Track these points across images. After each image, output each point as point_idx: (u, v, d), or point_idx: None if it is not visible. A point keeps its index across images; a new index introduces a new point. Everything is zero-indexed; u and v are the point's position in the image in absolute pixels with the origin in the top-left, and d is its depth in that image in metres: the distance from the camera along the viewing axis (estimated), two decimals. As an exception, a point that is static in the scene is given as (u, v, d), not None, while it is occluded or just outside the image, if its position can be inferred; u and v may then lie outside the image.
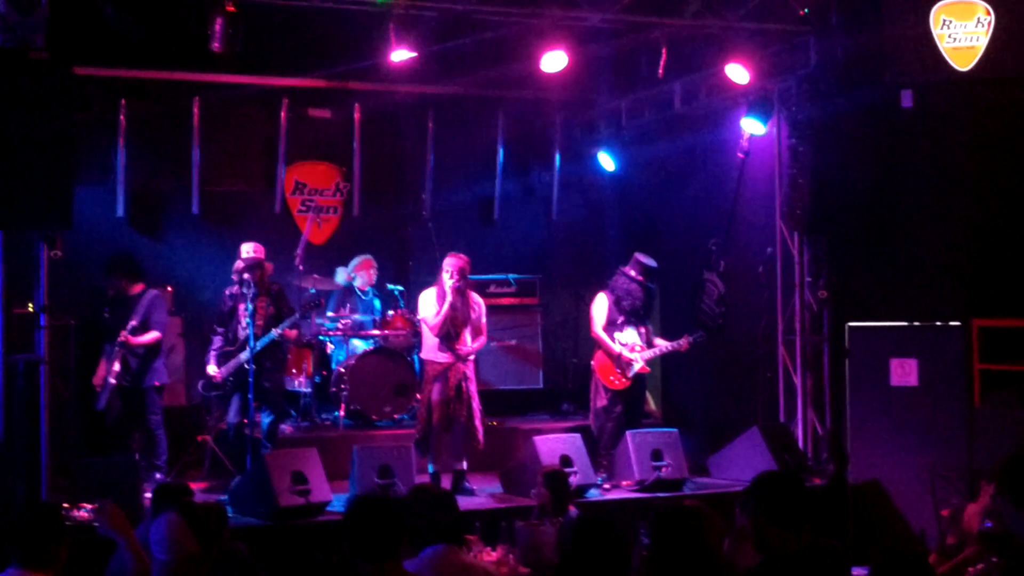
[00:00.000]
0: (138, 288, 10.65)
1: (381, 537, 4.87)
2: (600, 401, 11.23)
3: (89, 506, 8.49)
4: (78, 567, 6.04)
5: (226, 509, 6.31)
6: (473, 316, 10.49)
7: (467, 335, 10.46)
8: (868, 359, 10.48)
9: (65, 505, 8.43)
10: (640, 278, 11.16)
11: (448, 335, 10.35)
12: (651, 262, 11.22)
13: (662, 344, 11.31)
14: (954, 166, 10.61)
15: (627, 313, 11.14)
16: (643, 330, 11.26)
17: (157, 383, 10.65)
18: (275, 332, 10.22)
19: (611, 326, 11.14)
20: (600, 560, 5.06)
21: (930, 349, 10.34)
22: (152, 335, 10.49)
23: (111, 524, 5.24)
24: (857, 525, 10.20)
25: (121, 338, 10.32)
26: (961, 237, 10.53)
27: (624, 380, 11.05)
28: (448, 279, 10.30)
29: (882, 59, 10.48)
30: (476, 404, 10.46)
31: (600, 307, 11.21)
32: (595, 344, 11.24)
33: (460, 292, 10.35)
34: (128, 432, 10.61)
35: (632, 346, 11.12)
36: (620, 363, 11.01)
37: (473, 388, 10.50)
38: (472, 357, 10.64)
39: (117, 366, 10.34)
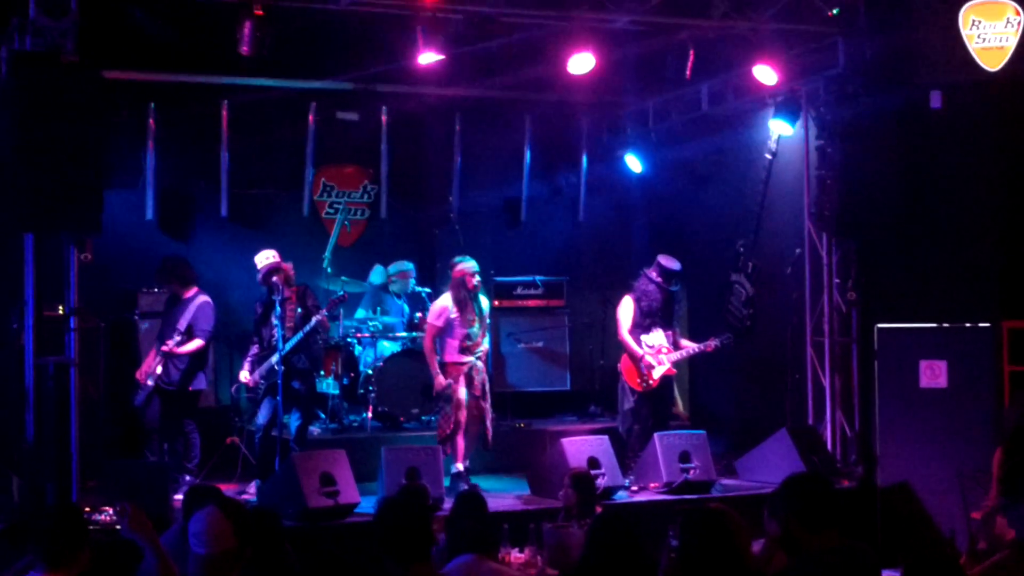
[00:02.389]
0: (191, 292, 10.75)
1: (411, 538, 4.88)
2: (627, 403, 11.25)
3: (112, 508, 8.54)
4: (102, 571, 6.08)
5: (279, 516, 6.33)
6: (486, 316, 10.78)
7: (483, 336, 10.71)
8: (897, 361, 10.43)
9: (87, 508, 8.47)
10: (659, 280, 11.16)
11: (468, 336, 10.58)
12: (673, 265, 11.21)
13: (689, 346, 11.31)
14: (983, 167, 10.56)
15: (647, 315, 11.15)
16: (670, 332, 11.27)
17: (197, 388, 10.75)
18: (303, 332, 10.30)
19: (637, 328, 11.15)
20: (620, 558, 5.06)
21: (959, 351, 10.29)
22: (195, 344, 10.58)
23: (134, 527, 5.26)
24: (886, 528, 10.16)
25: (165, 348, 10.40)
26: (990, 238, 10.48)
27: (650, 382, 11.05)
28: (472, 281, 10.55)
29: (911, 60, 10.43)
30: (489, 404, 10.72)
31: (625, 310, 11.23)
32: (622, 346, 11.25)
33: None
34: (163, 433, 10.67)
35: (659, 348, 11.12)
36: (641, 367, 11.03)
37: (487, 388, 10.72)
38: (484, 350, 10.83)
39: (159, 369, 10.42)
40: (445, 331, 10.65)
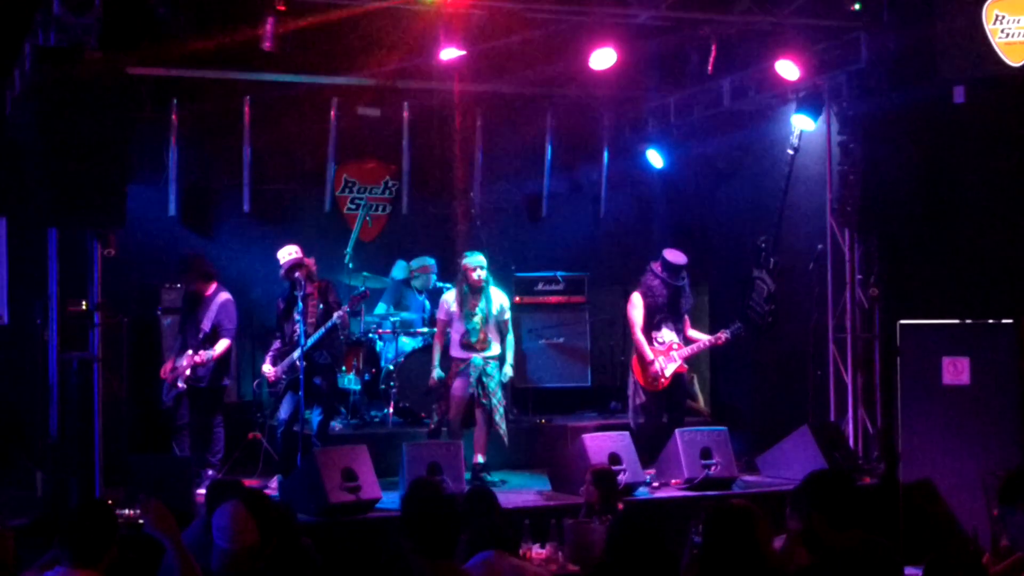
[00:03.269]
0: (211, 288, 10.77)
1: (441, 533, 4.88)
2: (637, 399, 11.29)
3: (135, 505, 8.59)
4: (126, 566, 6.11)
5: (293, 510, 6.35)
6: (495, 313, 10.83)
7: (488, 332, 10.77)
8: (920, 357, 10.38)
9: (110, 503, 8.51)
10: (663, 274, 11.18)
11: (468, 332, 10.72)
12: (678, 259, 11.22)
13: (699, 339, 11.33)
14: (1007, 161, 10.49)
15: (654, 311, 11.16)
16: (679, 327, 11.28)
17: (224, 383, 10.83)
18: (324, 329, 10.33)
19: (649, 327, 11.17)
20: (642, 554, 5.05)
21: (982, 347, 10.23)
22: (223, 345, 10.59)
23: (156, 524, 5.27)
24: (908, 525, 10.12)
25: (199, 358, 10.41)
26: (1014, 233, 10.41)
27: (661, 381, 11.09)
28: (472, 275, 10.70)
29: (934, 55, 10.37)
30: (499, 400, 10.68)
31: (636, 308, 11.26)
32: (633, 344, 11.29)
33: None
34: (195, 430, 10.70)
35: (668, 345, 11.16)
36: (649, 371, 11.06)
37: (495, 384, 10.69)
38: (493, 353, 10.82)
39: (189, 371, 10.41)
40: (450, 325, 10.82)
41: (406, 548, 4.90)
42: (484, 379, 10.64)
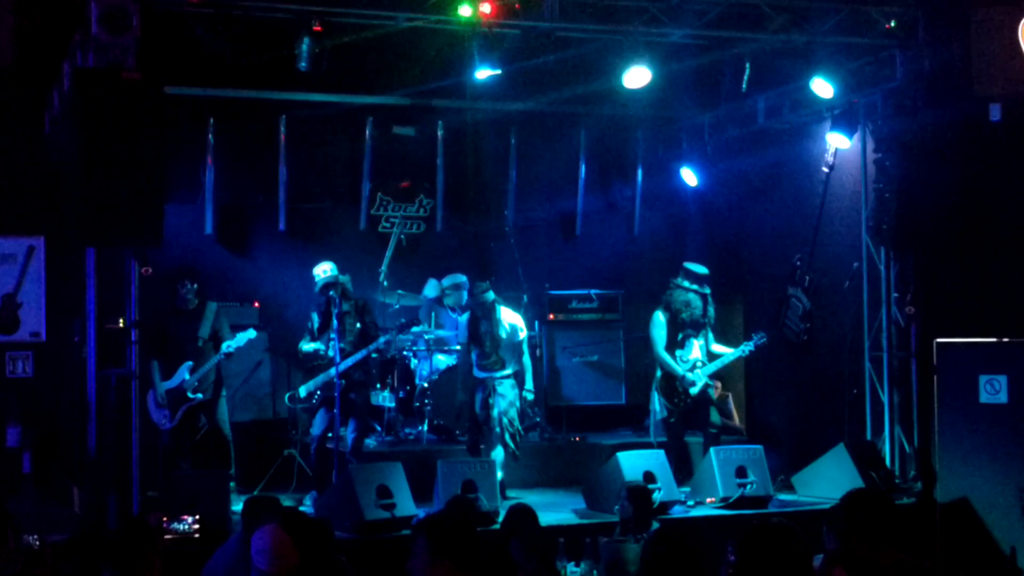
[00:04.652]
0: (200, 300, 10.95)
1: (463, 549, 4.85)
2: (661, 416, 11.32)
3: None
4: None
5: (331, 525, 6.36)
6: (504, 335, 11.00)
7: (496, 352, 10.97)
8: (956, 376, 10.30)
9: (164, 517, 8.56)
10: (694, 285, 11.16)
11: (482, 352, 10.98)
12: (700, 268, 11.23)
13: (724, 351, 11.29)
14: (1043, 180, 10.46)
15: (687, 326, 11.14)
16: (703, 343, 11.25)
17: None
18: (367, 350, 10.44)
19: (672, 345, 11.15)
20: (678, 573, 5.03)
21: (1020, 366, 10.15)
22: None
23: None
24: (946, 544, 10.04)
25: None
26: (1051, 251, 10.37)
27: (688, 400, 11.10)
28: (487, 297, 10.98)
29: (969, 72, 10.36)
30: (509, 420, 10.79)
31: (659, 327, 11.23)
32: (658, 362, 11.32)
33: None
34: (209, 445, 10.79)
35: (693, 364, 11.13)
36: (674, 389, 11.09)
37: (505, 404, 10.79)
38: (505, 373, 10.93)
39: (197, 383, 10.51)
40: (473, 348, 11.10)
41: (422, 556, 4.80)
42: (491, 399, 10.80)
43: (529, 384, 11.12)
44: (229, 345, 10.69)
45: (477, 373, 11.00)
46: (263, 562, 4.83)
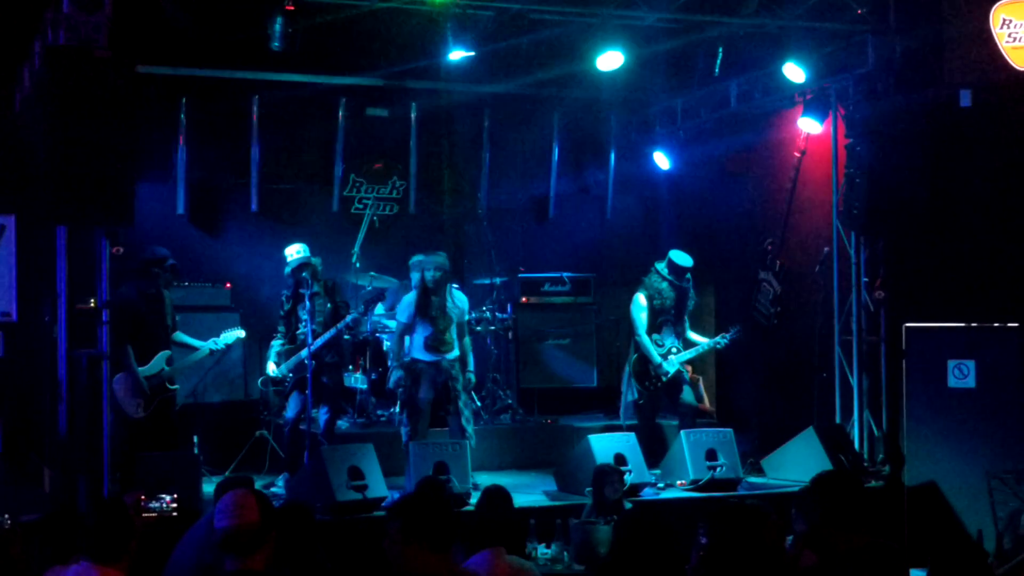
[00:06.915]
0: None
1: (435, 529, 4.84)
2: (633, 398, 11.33)
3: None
4: (151, 560, 6.15)
5: (312, 511, 6.32)
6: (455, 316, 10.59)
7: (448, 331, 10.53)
8: (925, 360, 10.37)
9: (143, 497, 8.52)
10: (671, 276, 11.16)
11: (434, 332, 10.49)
12: (684, 261, 11.21)
13: (699, 342, 11.33)
14: (1013, 165, 10.51)
15: (659, 313, 11.17)
16: (679, 330, 11.29)
17: None
18: (336, 329, 10.36)
19: (651, 328, 11.19)
20: (648, 554, 5.06)
21: (988, 350, 10.23)
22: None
23: None
24: (913, 527, 10.13)
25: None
26: (1020, 236, 10.42)
27: (658, 384, 11.14)
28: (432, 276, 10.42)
29: (940, 58, 10.40)
30: (464, 403, 10.56)
31: (641, 309, 11.23)
32: (637, 345, 11.30)
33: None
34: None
35: (668, 349, 11.16)
36: (649, 373, 11.11)
37: (460, 386, 10.56)
38: (456, 355, 10.62)
39: (168, 370, 10.36)
40: (413, 329, 10.58)
41: (396, 539, 4.80)
42: (450, 382, 10.52)
43: (471, 366, 10.85)
44: (216, 342, 10.57)
45: (424, 356, 10.51)
46: (223, 519, 4.63)
